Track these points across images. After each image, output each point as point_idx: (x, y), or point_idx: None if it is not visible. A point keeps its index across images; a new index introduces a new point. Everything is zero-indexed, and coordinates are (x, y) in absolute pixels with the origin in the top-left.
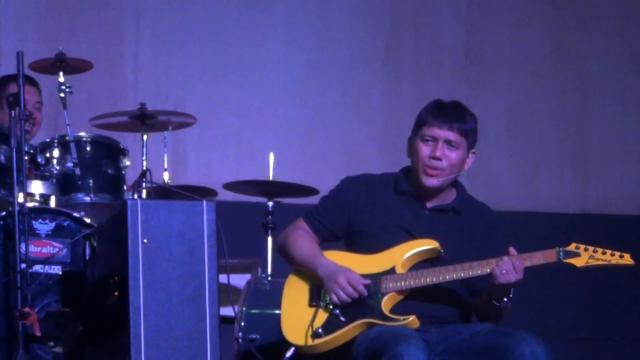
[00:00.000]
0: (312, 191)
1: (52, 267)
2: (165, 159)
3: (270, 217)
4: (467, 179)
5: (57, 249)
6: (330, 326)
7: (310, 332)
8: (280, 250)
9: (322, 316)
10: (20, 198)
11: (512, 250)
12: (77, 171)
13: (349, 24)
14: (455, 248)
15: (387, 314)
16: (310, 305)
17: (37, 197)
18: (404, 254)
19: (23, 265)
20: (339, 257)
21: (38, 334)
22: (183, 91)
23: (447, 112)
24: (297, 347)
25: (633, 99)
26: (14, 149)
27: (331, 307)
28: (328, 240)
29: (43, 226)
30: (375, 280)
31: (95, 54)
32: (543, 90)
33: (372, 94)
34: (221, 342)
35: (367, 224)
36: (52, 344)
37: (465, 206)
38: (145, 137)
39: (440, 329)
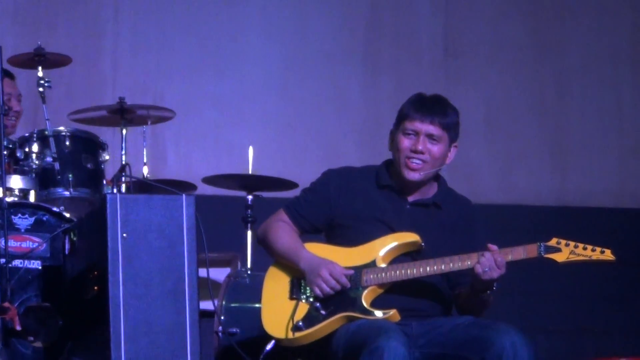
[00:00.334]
0: (291, 185)
1: (32, 261)
2: (145, 153)
3: (249, 210)
4: (447, 172)
5: (36, 244)
6: (310, 319)
7: (290, 325)
8: (261, 241)
9: (302, 309)
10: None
11: (492, 246)
12: (57, 166)
13: (327, 18)
14: (436, 242)
15: (368, 307)
16: (291, 298)
17: (17, 192)
18: (384, 247)
19: (2, 260)
20: (319, 250)
21: (18, 328)
22: (161, 85)
23: (429, 106)
24: (278, 340)
25: (611, 91)
26: None
27: (312, 300)
28: (308, 232)
29: (22, 221)
30: (356, 273)
31: (74, 49)
32: (521, 83)
33: (351, 87)
34: (201, 336)
35: (348, 217)
36: (31, 338)
37: (446, 200)
38: (124, 131)
39: (421, 322)
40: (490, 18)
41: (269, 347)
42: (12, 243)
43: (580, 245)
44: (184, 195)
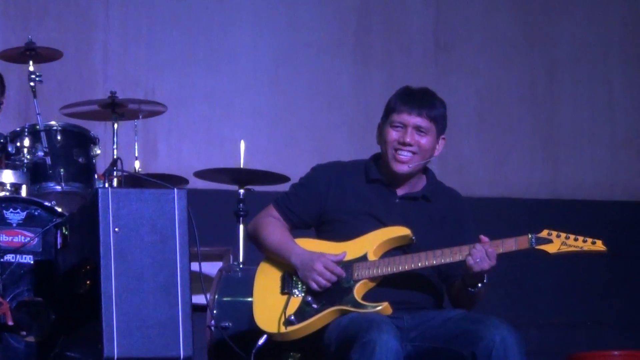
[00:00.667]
0: (283, 178)
1: (24, 256)
2: (136, 147)
3: (241, 204)
4: (438, 165)
5: (28, 238)
6: (302, 314)
7: (282, 320)
8: (251, 237)
9: (294, 304)
10: None
11: (483, 238)
12: (48, 160)
13: (318, 11)
14: (426, 235)
15: (360, 301)
16: (282, 293)
17: (8, 187)
18: (376, 241)
19: None
20: (310, 245)
21: (10, 323)
22: (152, 79)
23: (416, 99)
24: (270, 335)
25: (602, 83)
26: None
27: (303, 294)
28: (298, 227)
29: (14, 215)
30: (347, 267)
31: (65, 43)
32: (513, 75)
33: (342, 80)
34: (193, 330)
35: (338, 212)
36: (24, 333)
37: (435, 193)
38: (115, 125)
39: (413, 315)
40: (481, 10)
41: (261, 341)
42: (4, 238)
43: (572, 237)
44: (175, 190)
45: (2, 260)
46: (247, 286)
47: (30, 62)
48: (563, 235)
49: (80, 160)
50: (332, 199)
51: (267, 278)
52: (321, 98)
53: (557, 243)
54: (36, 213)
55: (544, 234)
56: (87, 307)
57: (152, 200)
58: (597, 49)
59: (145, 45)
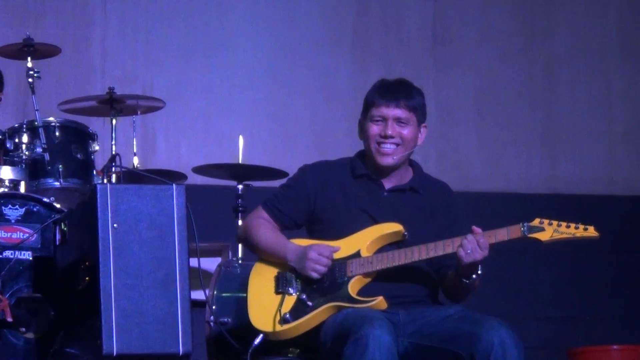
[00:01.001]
0: (281, 174)
1: (23, 252)
2: (135, 143)
3: (240, 200)
4: (435, 160)
5: (27, 235)
6: (297, 311)
7: (278, 319)
8: (243, 241)
9: (289, 302)
10: None
11: (476, 228)
12: (47, 156)
13: (316, 6)
14: (417, 227)
15: (354, 296)
16: (277, 292)
17: (7, 183)
18: (368, 238)
19: None
20: (304, 244)
21: (9, 319)
22: (151, 75)
23: (393, 90)
24: (266, 334)
25: (600, 78)
26: None
27: (298, 292)
28: (289, 227)
29: (13, 212)
30: (341, 264)
31: (63, 39)
32: (511, 70)
33: (340, 75)
34: (192, 326)
35: (328, 210)
36: (23, 329)
37: (423, 185)
38: (114, 121)
39: (409, 310)
40: (479, 5)
41: (257, 341)
42: (3, 234)
43: (564, 224)
44: (174, 185)
45: (1, 256)
46: (246, 282)
47: (29, 59)
48: (555, 223)
49: (78, 156)
50: (320, 198)
51: (262, 278)
52: (319, 93)
53: (549, 231)
54: (35, 209)
55: (536, 222)
56: (86, 303)
57: (150, 196)
58: (595, 43)
59: (143, 41)
